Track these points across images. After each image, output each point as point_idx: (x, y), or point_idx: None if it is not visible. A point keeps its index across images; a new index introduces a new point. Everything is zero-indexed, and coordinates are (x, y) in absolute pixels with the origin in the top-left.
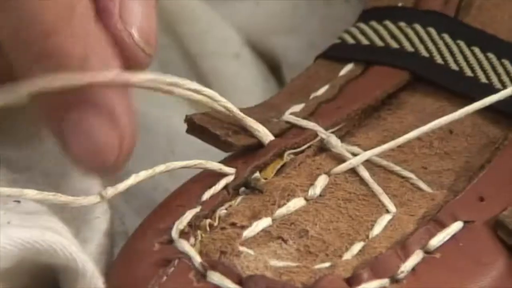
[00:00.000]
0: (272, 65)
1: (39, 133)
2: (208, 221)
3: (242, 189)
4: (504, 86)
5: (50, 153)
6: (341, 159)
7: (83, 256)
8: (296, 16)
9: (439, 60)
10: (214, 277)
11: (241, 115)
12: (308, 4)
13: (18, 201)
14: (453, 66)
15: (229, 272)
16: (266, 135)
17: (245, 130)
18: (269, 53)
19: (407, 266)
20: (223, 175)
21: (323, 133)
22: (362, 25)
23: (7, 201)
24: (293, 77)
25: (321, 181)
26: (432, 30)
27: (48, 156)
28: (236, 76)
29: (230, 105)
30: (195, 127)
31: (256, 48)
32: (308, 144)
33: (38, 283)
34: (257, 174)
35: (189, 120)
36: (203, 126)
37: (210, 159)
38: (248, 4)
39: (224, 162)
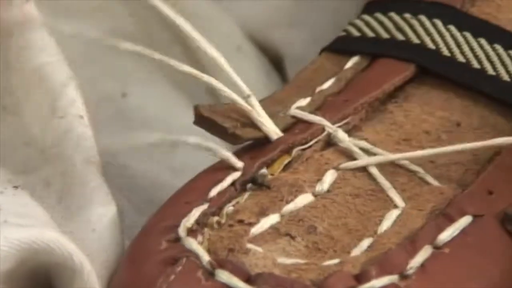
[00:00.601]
0: (274, 59)
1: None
2: (215, 218)
3: (249, 185)
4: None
5: (51, 163)
6: (348, 154)
7: (81, 254)
8: (298, 10)
9: (445, 52)
10: (223, 275)
11: (249, 108)
12: None
13: (17, 187)
14: (460, 58)
15: (238, 271)
16: (273, 129)
17: (252, 123)
18: (271, 47)
19: (416, 262)
20: (230, 171)
21: (330, 128)
22: (367, 17)
23: (7, 186)
24: (296, 71)
25: (329, 177)
26: (438, 22)
27: (49, 166)
28: (237, 70)
29: (236, 98)
30: (202, 119)
31: (258, 42)
32: (315, 139)
33: (33, 283)
34: (264, 170)
35: (197, 111)
36: (211, 118)
37: (210, 156)
38: (248, 0)
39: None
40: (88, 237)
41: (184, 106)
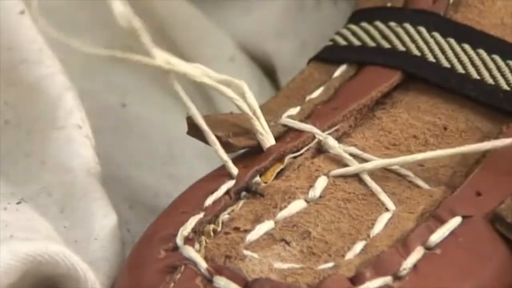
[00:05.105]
0: (267, 69)
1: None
2: (211, 226)
3: (243, 193)
4: (496, 81)
5: (52, 174)
6: (339, 160)
7: (84, 265)
8: (287, 21)
9: (430, 58)
10: (221, 282)
11: (249, 116)
12: (297, 9)
13: (20, 202)
14: (445, 64)
15: (235, 277)
16: (266, 138)
17: (245, 132)
18: (263, 58)
19: (408, 263)
20: (224, 180)
21: (320, 135)
22: (353, 27)
23: (10, 201)
24: (288, 80)
25: (321, 183)
26: (422, 29)
27: (50, 176)
28: None
29: (242, 105)
30: (195, 129)
31: (250, 53)
32: (306, 147)
33: None
34: (257, 178)
35: (189, 121)
36: (204, 128)
37: (209, 164)
38: (239, 12)
39: (224, 166)
40: (91, 246)
41: (183, 116)
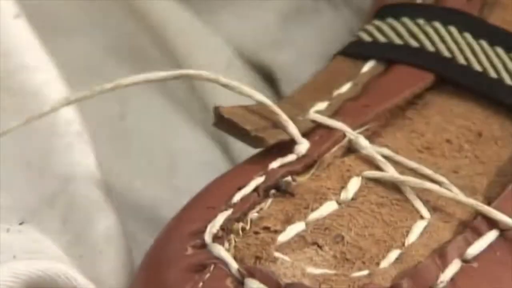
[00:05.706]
0: (266, 77)
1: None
2: (240, 224)
3: (272, 191)
4: None
5: (54, 181)
6: (370, 161)
7: (89, 283)
8: (285, 29)
9: (461, 60)
10: (253, 284)
11: (277, 110)
12: (296, 15)
13: (22, 223)
14: (476, 67)
15: (268, 280)
16: (297, 133)
17: (273, 126)
18: (261, 66)
19: (446, 276)
20: (253, 175)
21: (351, 134)
22: (378, 22)
23: (12, 221)
24: (291, 89)
25: (353, 184)
26: (453, 29)
27: (52, 185)
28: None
29: (266, 100)
30: (222, 120)
31: (247, 60)
32: (337, 146)
33: None
34: (288, 178)
35: (217, 112)
36: (232, 120)
37: (213, 174)
38: (235, 20)
39: (252, 161)
40: (96, 260)
41: (183, 127)
